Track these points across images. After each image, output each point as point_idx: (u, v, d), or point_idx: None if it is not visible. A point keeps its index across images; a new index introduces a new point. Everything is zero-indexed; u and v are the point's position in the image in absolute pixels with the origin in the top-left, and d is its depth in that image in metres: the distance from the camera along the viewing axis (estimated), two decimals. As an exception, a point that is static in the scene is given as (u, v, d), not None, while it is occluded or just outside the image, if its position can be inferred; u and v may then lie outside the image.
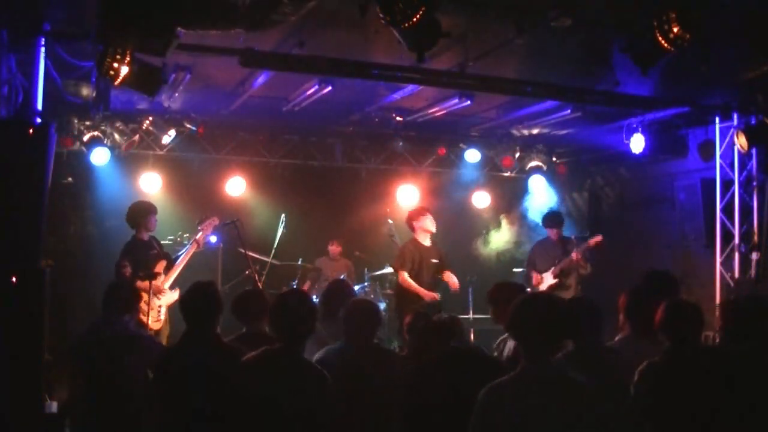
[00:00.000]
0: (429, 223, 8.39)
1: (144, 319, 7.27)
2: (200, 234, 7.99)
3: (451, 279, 8.20)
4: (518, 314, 3.27)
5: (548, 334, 3.19)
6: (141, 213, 7.74)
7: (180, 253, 7.94)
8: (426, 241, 8.39)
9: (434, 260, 8.30)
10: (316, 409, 3.70)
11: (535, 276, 8.86)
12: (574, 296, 7.40)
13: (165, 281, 7.62)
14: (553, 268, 8.70)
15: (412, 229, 8.46)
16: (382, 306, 9.16)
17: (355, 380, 4.22)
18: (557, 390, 3.10)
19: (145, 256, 7.60)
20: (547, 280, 8.76)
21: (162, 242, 8.18)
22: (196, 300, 4.23)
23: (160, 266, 7.64)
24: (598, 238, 8.51)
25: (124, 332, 5.05)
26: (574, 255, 8.47)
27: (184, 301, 4.32)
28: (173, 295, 7.63)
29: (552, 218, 8.99)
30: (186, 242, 8.05)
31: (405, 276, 8.13)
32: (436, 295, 8.06)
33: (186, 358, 4.11)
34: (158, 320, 7.50)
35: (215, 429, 3.87)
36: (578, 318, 3.96)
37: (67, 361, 5.31)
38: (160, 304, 7.54)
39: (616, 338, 4.60)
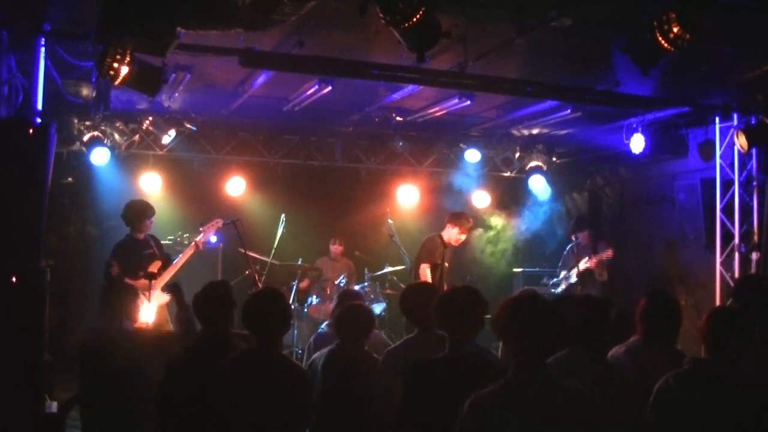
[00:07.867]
0: (457, 235, 8.48)
1: (137, 318, 7.11)
2: (201, 235, 7.85)
3: None
4: (506, 316, 2.99)
5: (539, 338, 2.90)
6: (136, 214, 7.60)
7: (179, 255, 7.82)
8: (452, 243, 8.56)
9: (447, 264, 8.45)
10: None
11: (563, 273, 9.36)
12: (583, 297, 7.40)
13: (159, 281, 7.40)
14: (576, 269, 8.94)
15: (445, 227, 8.56)
16: (383, 306, 9.17)
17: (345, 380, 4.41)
18: (550, 399, 2.84)
19: (137, 255, 7.48)
20: (570, 278, 9.12)
21: (162, 242, 8.16)
22: (210, 301, 4.25)
23: (155, 266, 7.50)
24: (609, 253, 8.84)
25: (120, 333, 5.05)
26: (590, 263, 8.90)
27: (197, 303, 4.33)
28: (166, 296, 7.45)
29: (576, 224, 9.26)
30: (186, 242, 7.99)
31: (425, 269, 8.19)
32: None
33: (203, 359, 4.09)
34: (150, 319, 7.29)
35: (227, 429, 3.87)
36: (580, 321, 3.71)
37: (74, 360, 5.30)
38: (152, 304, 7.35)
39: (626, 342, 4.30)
